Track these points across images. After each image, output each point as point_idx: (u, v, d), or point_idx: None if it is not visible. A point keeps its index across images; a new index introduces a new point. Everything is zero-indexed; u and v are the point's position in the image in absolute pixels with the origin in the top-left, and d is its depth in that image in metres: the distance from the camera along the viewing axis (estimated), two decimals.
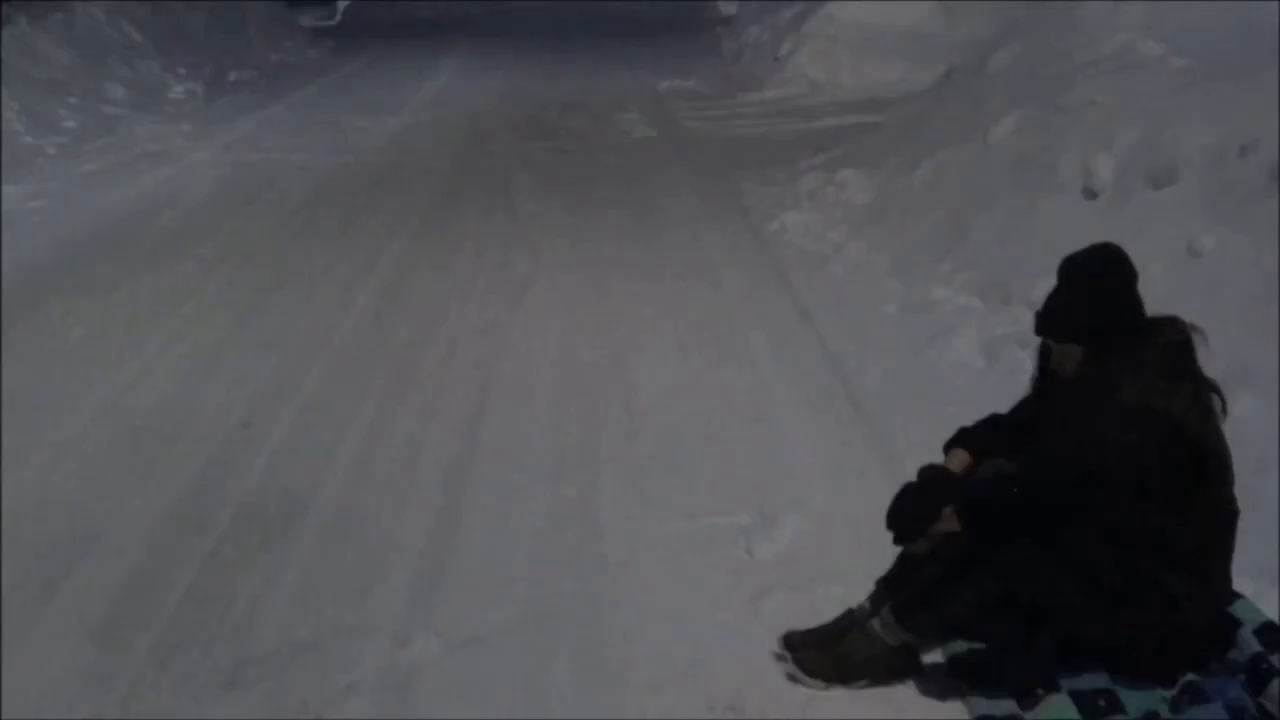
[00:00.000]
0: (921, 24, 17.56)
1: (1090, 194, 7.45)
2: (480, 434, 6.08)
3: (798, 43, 17.71)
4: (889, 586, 4.01)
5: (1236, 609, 3.86)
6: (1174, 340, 3.75)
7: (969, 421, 4.17)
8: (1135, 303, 3.80)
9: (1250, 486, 3.96)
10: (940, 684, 3.99)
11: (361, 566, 4.86)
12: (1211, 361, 3.80)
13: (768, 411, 6.25)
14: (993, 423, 4.10)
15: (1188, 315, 3.85)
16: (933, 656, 4.05)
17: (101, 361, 7.06)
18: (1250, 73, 7.27)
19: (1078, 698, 3.65)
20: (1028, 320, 6.34)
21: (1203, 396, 3.73)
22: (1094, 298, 3.78)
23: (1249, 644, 3.74)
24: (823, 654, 4.02)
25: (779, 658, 4.11)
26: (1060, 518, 3.68)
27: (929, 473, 4.01)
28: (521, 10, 29.22)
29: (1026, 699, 3.70)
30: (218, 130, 14.93)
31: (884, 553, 3.99)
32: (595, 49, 22.49)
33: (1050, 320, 3.86)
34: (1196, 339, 3.77)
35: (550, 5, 29.36)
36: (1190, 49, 8.19)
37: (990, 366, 6.48)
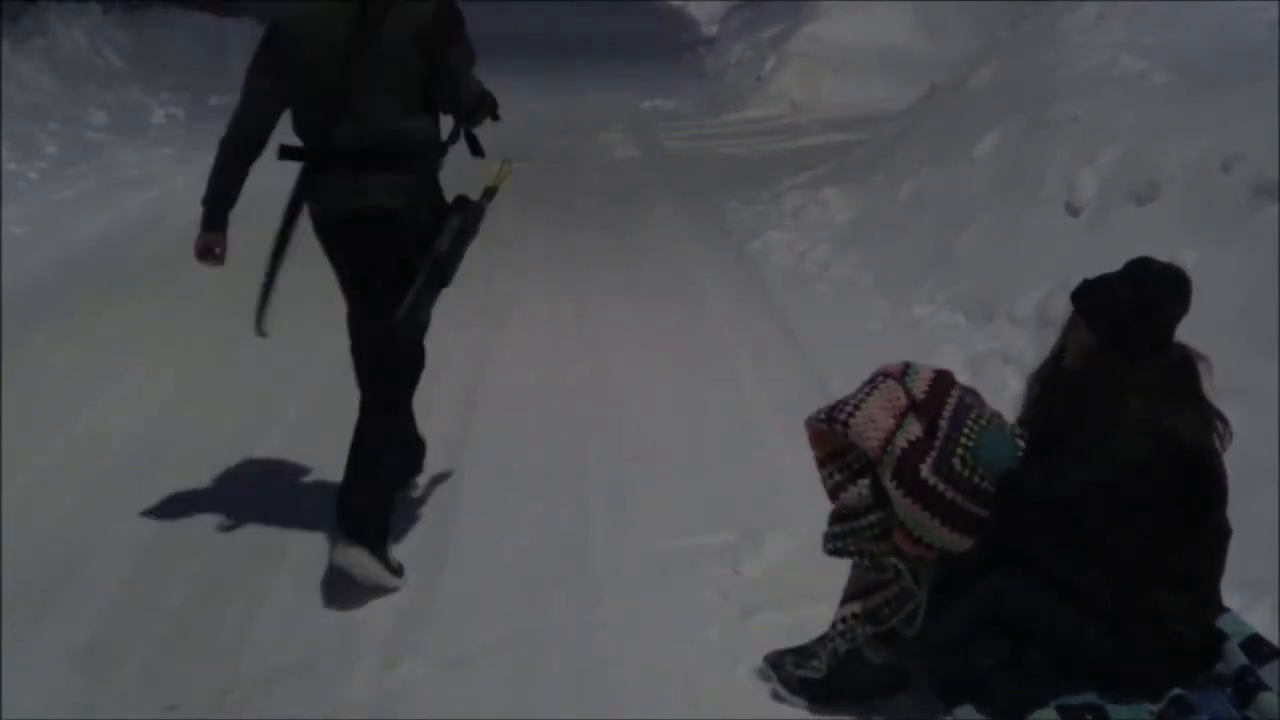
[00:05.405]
0: (903, 42, 17.59)
1: (1073, 210, 7.46)
2: (466, 453, 6.07)
3: (780, 62, 17.75)
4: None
5: (1223, 623, 3.86)
6: (1178, 361, 3.73)
7: None
8: (1168, 328, 3.74)
9: (1236, 501, 3.96)
10: (926, 701, 3.98)
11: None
12: (1212, 389, 3.78)
13: (752, 430, 6.26)
14: None
15: None
16: (918, 673, 4.05)
17: (86, 387, 7.03)
18: (1232, 87, 7.30)
19: (1065, 712, 3.65)
20: (1011, 336, 6.42)
21: (1206, 419, 3.73)
22: (1143, 295, 3.69)
23: (1235, 657, 3.74)
24: (808, 672, 4.02)
25: (764, 676, 4.11)
26: (1062, 530, 3.67)
27: None
28: (502, 33, 29.23)
29: (1014, 715, 3.70)
30: (200, 155, 14.63)
31: None
32: (577, 69, 22.48)
33: (1091, 293, 3.78)
34: (1201, 366, 3.74)
35: (530, 27, 29.37)
36: (1171, 64, 8.22)
37: (974, 382, 6.45)
